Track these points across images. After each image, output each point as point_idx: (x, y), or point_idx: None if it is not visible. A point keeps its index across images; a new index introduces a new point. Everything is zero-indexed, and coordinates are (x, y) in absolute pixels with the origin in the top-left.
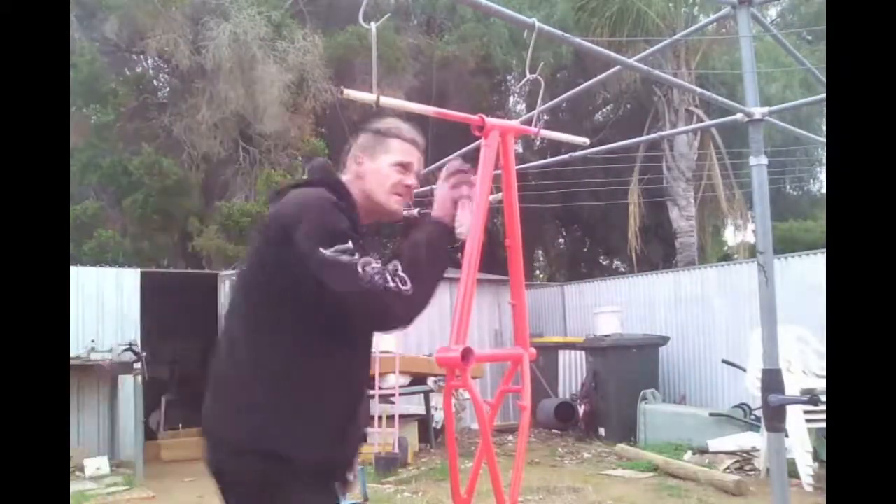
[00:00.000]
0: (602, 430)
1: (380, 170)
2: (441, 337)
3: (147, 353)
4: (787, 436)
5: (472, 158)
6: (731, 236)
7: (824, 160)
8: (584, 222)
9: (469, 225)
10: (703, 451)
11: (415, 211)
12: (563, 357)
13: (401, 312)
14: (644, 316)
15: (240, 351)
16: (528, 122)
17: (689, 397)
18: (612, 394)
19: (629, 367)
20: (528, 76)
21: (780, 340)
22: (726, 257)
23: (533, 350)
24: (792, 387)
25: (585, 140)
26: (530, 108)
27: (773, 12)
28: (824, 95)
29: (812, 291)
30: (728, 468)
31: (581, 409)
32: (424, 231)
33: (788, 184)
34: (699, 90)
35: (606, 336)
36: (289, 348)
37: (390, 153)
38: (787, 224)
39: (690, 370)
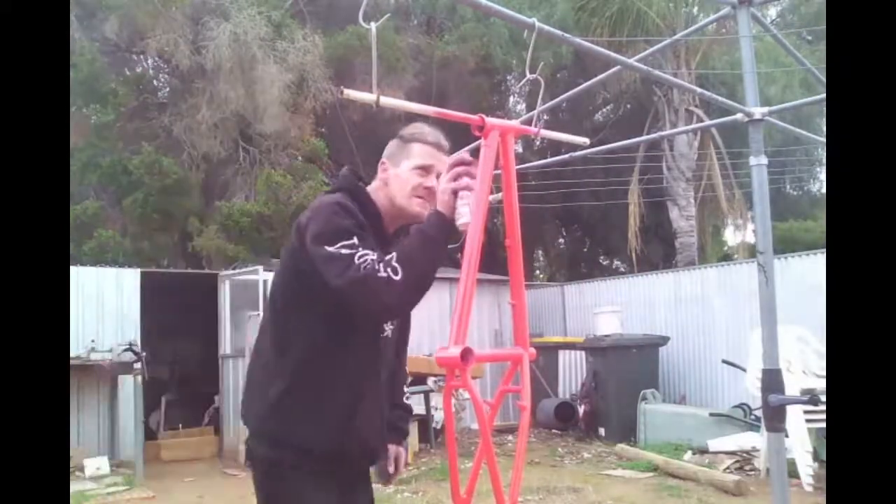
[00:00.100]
0: (602, 430)
1: (401, 174)
2: (441, 337)
3: (147, 353)
4: (787, 436)
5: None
6: (731, 236)
7: (824, 160)
8: (584, 222)
9: (469, 216)
10: (703, 451)
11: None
12: (563, 357)
13: (389, 299)
14: (644, 316)
15: (263, 348)
16: (528, 122)
17: (689, 397)
18: (612, 394)
19: (629, 367)
20: (528, 76)
21: (780, 340)
22: (726, 257)
23: (533, 350)
24: (792, 387)
25: (585, 140)
26: (530, 108)
27: (773, 12)
28: (824, 95)
29: (812, 291)
30: (728, 468)
31: (581, 409)
32: (425, 223)
33: (788, 184)
34: (699, 90)
35: (606, 336)
36: (300, 348)
37: (411, 157)
38: (787, 224)
39: (690, 370)
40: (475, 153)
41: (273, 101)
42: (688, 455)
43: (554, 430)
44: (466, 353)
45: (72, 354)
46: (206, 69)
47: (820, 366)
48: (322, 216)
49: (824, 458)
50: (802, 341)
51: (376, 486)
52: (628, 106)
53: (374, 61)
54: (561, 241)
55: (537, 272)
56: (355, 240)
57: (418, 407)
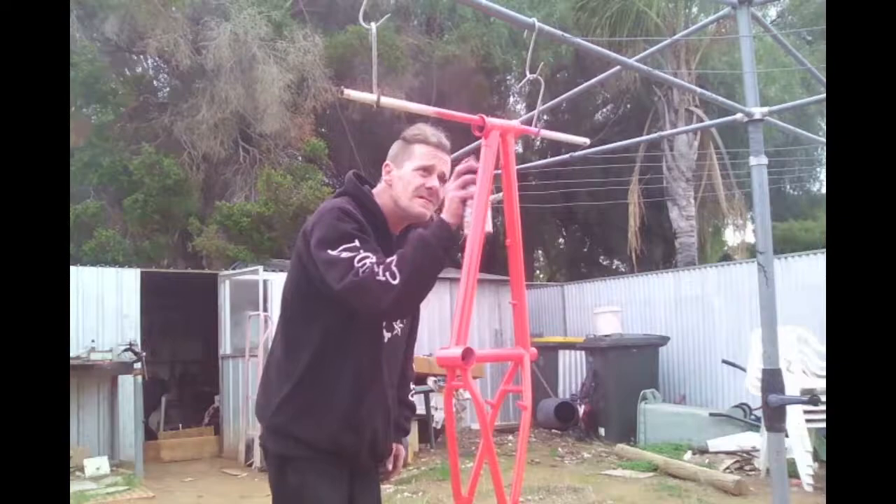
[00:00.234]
0: (602, 430)
1: (403, 176)
2: (441, 337)
3: (147, 353)
4: (787, 436)
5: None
6: (731, 236)
7: (824, 160)
8: (584, 222)
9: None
10: (703, 451)
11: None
12: (563, 357)
13: (386, 303)
14: (644, 316)
15: (275, 349)
16: (528, 122)
17: (689, 397)
18: (612, 394)
19: (629, 367)
20: (528, 76)
21: (780, 340)
22: (726, 257)
23: (533, 350)
24: (792, 387)
25: (585, 140)
26: (530, 108)
27: (773, 12)
28: (824, 95)
29: (812, 291)
30: (728, 468)
31: (581, 409)
32: (427, 229)
33: (788, 184)
34: (699, 90)
35: (606, 336)
36: (307, 349)
37: (413, 159)
38: (787, 224)
39: (690, 370)
40: (475, 153)
41: (273, 101)
42: (688, 455)
43: (554, 430)
44: (467, 353)
45: (72, 354)
46: (207, 69)
47: (820, 366)
48: (325, 221)
49: (824, 458)
50: (802, 341)
51: None
52: (628, 106)
53: (374, 61)
54: (561, 241)
55: (537, 272)
56: (357, 242)
57: (418, 407)
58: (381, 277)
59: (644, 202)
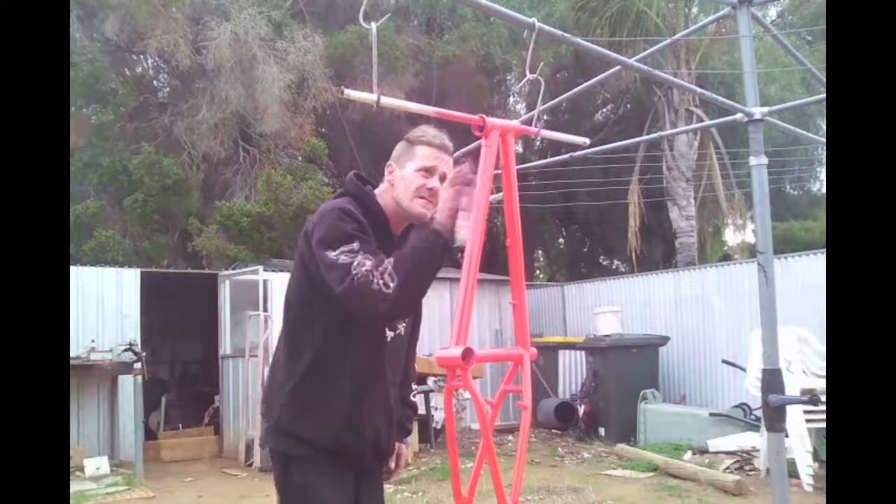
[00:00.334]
0: (602, 430)
1: (405, 176)
2: (441, 337)
3: (147, 353)
4: (787, 436)
5: (473, 158)
6: (731, 236)
7: (824, 160)
8: (584, 222)
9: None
10: (703, 451)
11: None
12: (563, 357)
13: (381, 308)
14: (644, 316)
15: (280, 349)
16: (528, 122)
17: (689, 397)
18: (612, 394)
19: (629, 367)
20: (528, 76)
21: (780, 340)
22: (726, 257)
23: (533, 350)
24: (792, 387)
25: (585, 140)
26: (530, 108)
27: (773, 12)
28: (824, 95)
29: (812, 291)
30: (728, 468)
31: (581, 409)
32: (421, 235)
33: (788, 184)
34: (699, 90)
35: (606, 336)
36: (309, 349)
37: (415, 159)
38: (787, 224)
39: (690, 370)
40: (475, 153)
41: (273, 101)
42: (688, 455)
43: (554, 430)
44: (467, 353)
45: (72, 354)
46: (207, 69)
47: (820, 366)
48: (325, 221)
49: (824, 458)
50: (802, 341)
51: None
52: (628, 106)
53: (374, 61)
54: (561, 241)
55: (537, 272)
56: (356, 244)
57: (419, 407)
58: (375, 286)
59: (644, 202)
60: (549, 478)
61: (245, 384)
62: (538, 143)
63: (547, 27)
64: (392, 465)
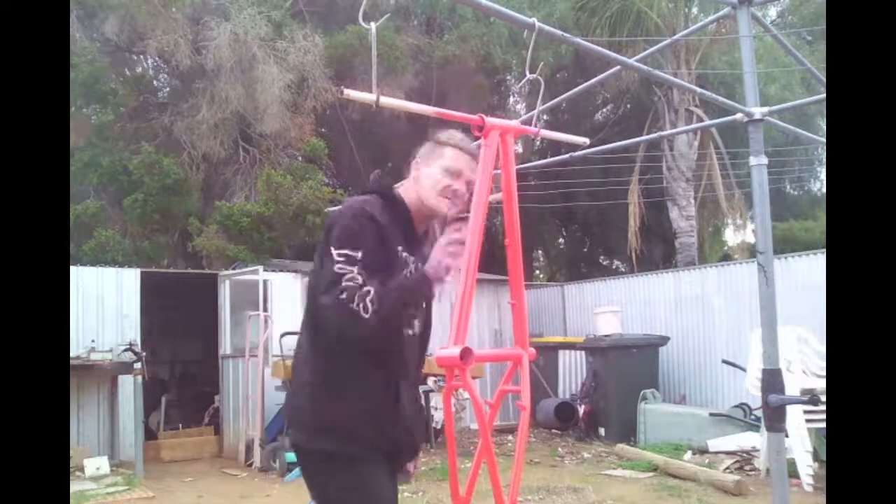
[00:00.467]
0: (602, 430)
1: (432, 174)
2: (441, 337)
3: (147, 353)
4: (787, 436)
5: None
6: (731, 236)
7: (824, 160)
8: (584, 222)
9: (452, 287)
10: (703, 451)
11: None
12: (563, 357)
13: (353, 332)
14: (644, 316)
15: (302, 344)
16: (528, 122)
17: (689, 397)
18: (612, 394)
19: (629, 367)
20: (528, 76)
21: (780, 340)
22: (726, 257)
23: (533, 350)
24: (792, 387)
25: (585, 140)
26: (530, 108)
27: (773, 12)
28: (824, 95)
29: (812, 291)
30: (728, 468)
31: (581, 409)
32: (413, 277)
33: (788, 184)
34: (699, 90)
35: (606, 336)
36: (332, 345)
37: (443, 159)
38: (787, 224)
39: (690, 370)
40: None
41: (273, 101)
42: (688, 455)
43: (554, 430)
44: (466, 353)
45: (72, 354)
46: (207, 69)
47: (820, 366)
48: (342, 220)
49: (824, 458)
50: (802, 341)
51: None
52: (628, 106)
53: (374, 61)
54: (561, 241)
55: (537, 272)
56: (359, 254)
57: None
58: (354, 306)
59: (644, 202)
60: (549, 478)
61: (245, 384)
62: (538, 143)
63: (547, 27)
64: (412, 467)
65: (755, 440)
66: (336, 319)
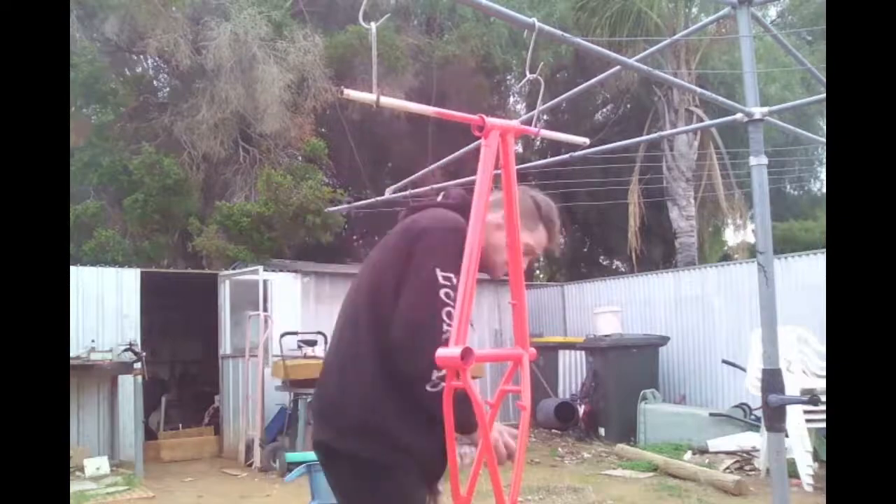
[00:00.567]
0: (602, 430)
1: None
2: None
3: (147, 353)
4: (787, 436)
5: (473, 158)
6: (731, 236)
7: (824, 160)
8: (584, 222)
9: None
10: (703, 451)
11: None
12: (563, 357)
13: (418, 386)
14: (644, 316)
15: (353, 341)
16: (528, 122)
17: (689, 397)
18: (612, 394)
19: (629, 367)
20: (528, 76)
21: (780, 340)
22: (726, 257)
23: (533, 350)
24: (792, 387)
25: (585, 140)
26: (530, 108)
27: (773, 12)
28: (824, 95)
29: (812, 291)
30: (728, 468)
31: (581, 409)
32: (473, 419)
33: (788, 184)
34: (699, 90)
35: (606, 336)
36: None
37: (533, 234)
38: (787, 224)
39: (690, 370)
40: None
41: (273, 101)
42: (688, 455)
43: (554, 430)
44: (466, 353)
45: (72, 354)
46: (207, 69)
47: (820, 366)
48: (453, 234)
49: (824, 458)
50: (802, 341)
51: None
52: (628, 106)
53: (374, 61)
54: (561, 240)
55: (537, 272)
56: (452, 293)
57: None
58: (434, 377)
59: (644, 202)
60: (549, 478)
61: (245, 384)
62: (538, 143)
63: (547, 27)
64: (441, 488)
65: (755, 440)
66: (409, 359)
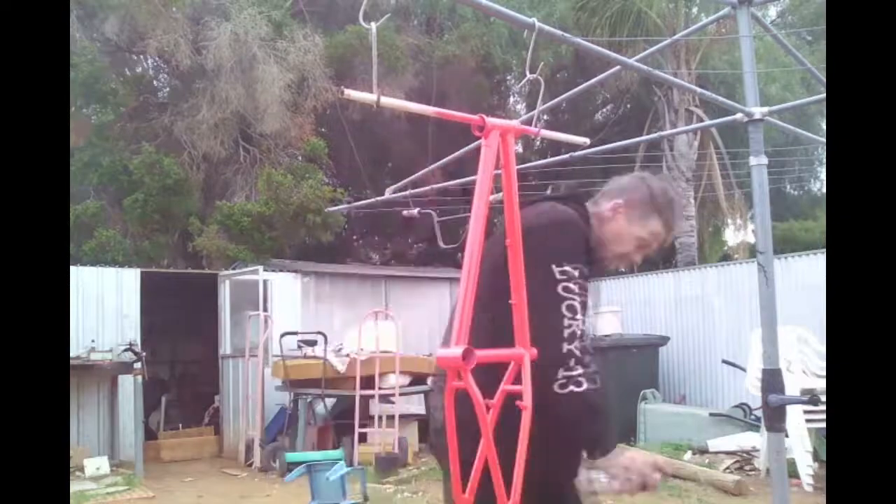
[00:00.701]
0: None
1: (631, 233)
2: (441, 337)
3: (147, 353)
4: (787, 436)
5: (473, 158)
6: (731, 236)
7: (824, 160)
8: None
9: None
10: (703, 451)
11: (415, 211)
12: None
13: (541, 370)
14: (644, 316)
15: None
16: (528, 122)
17: (689, 397)
18: (612, 394)
19: (629, 367)
20: (528, 76)
21: (780, 340)
22: (726, 257)
23: (534, 350)
24: (792, 387)
25: (585, 140)
26: (530, 108)
27: (773, 12)
28: (824, 95)
29: (812, 291)
30: (728, 468)
31: None
32: (613, 459)
33: (788, 184)
34: (699, 90)
35: (606, 336)
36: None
37: (650, 226)
38: (787, 224)
39: (690, 370)
40: (475, 153)
41: (273, 101)
42: (688, 455)
43: None
44: (468, 353)
45: (72, 354)
46: (207, 69)
47: (820, 366)
48: (574, 227)
49: (824, 458)
50: (802, 341)
51: (376, 487)
52: (628, 106)
53: (374, 61)
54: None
55: None
56: (578, 272)
57: (418, 407)
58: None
59: None
60: None
61: (245, 384)
62: (538, 143)
63: (547, 27)
64: None
65: (755, 440)
66: (574, 411)
